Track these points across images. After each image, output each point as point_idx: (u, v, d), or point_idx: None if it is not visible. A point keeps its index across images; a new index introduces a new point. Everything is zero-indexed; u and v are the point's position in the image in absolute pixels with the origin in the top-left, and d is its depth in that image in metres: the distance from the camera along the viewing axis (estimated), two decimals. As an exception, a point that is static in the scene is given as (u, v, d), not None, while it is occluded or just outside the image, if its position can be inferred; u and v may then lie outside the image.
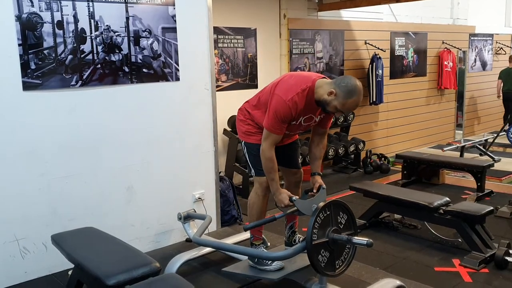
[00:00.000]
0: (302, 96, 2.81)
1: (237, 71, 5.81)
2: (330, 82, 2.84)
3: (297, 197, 2.99)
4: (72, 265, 2.76)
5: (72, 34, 3.34)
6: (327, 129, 3.19)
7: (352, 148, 6.47)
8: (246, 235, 3.50)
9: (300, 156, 4.16)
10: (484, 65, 9.75)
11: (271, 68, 6.06)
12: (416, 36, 8.02)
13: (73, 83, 3.39)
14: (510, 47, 10.36)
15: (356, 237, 2.71)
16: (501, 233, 4.08)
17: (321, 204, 2.70)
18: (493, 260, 3.50)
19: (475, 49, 9.43)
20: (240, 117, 3.18)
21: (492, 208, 3.81)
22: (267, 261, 3.01)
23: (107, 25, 3.48)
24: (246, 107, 3.18)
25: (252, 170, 3.16)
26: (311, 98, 2.85)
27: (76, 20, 3.34)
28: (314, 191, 3.06)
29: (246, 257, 3.21)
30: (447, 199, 3.98)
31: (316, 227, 2.63)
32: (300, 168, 3.32)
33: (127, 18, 3.57)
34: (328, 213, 2.71)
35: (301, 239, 3.24)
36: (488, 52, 9.81)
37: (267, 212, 3.30)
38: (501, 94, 9.32)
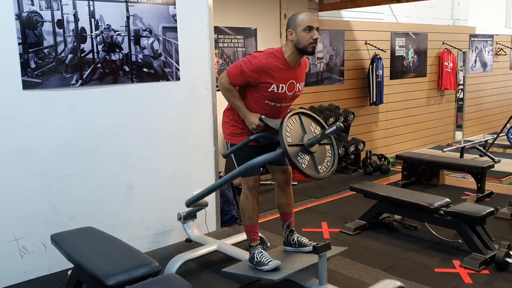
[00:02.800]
0: (269, 56, 2.95)
1: (237, 71, 5.79)
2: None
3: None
4: (72, 265, 2.75)
5: (72, 33, 3.33)
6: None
7: (352, 149, 6.47)
8: (245, 235, 3.49)
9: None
10: (484, 66, 9.75)
11: (271, 68, 6.05)
12: (416, 36, 8.02)
13: (73, 82, 3.38)
14: (511, 48, 10.35)
15: (327, 129, 2.77)
16: (502, 234, 4.07)
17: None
18: (493, 261, 3.49)
19: (475, 50, 9.43)
20: (225, 119, 3.26)
21: (492, 209, 3.80)
22: (263, 262, 3.00)
23: (107, 24, 3.47)
24: (229, 108, 3.24)
25: (235, 164, 3.17)
26: (282, 59, 2.96)
27: (76, 19, 3.33)
28: None
29: (246, 258, 3.20)
30: (447, 200, 3.97)
31: (288, 131, 2.68)
32: (288, 165, 3.31)
33: (128, 17, 3.56)
34: (298, 122, 2.78)
35: (299, 238, 3.23)
36: (488, 53, 9.81)
37: (261, 215, 3.29)
38: None
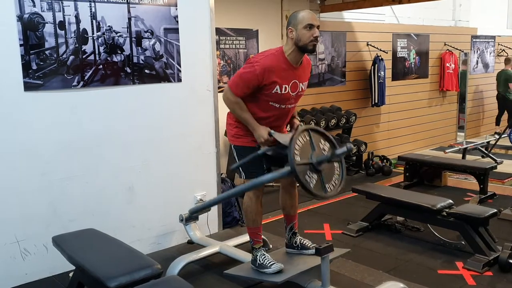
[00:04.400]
0: (269, 58, 2.90)
1: (239, 72, 5.78)
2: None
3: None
4: (73, 267, 2.74)
5: (74, 35, 3.32)
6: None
7: (354, 150, 6.45)
8: (248, 237, 3.48)
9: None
10: (486, 67, 9.74)
11: (273, 70, 6.04)
12: (418, 37, 8.01)
13: (74, 83, 3.37)
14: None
15: (337, 150, 2.68)
16: (504, 235, 4.06)
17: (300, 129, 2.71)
18: (497, 263, 3.48)
19: (477, 51, 9.42)
20: (229, 120, 3.23)
21: (495, 210, 3.79)
22: (266, 264, 2.99)
23: (109, 26, 3.47)
24: None
25: (242, 174, 3.16)
26: (283, 59, 2.92)
27: (78, 21, 3.33)
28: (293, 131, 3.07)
29: (248, 260, 3.19)
30: (450, 201, 3.96)
31: (297, 148, 2.61)
32: None
33: (129, 19, 3.55)
34: (308, 138, 2.70)
35: (302, 240, 3.22)
36: (490, 54, 9.80)
37: (263, 216, 3.28)
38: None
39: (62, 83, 3.32)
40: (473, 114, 9.60)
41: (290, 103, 3.06)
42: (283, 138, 2.85)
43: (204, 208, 3.53)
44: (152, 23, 3.67)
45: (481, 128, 9.82)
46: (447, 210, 3.85)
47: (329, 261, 2.80)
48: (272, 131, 2.92)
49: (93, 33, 3.41)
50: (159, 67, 3.76)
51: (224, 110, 3.36)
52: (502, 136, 7.75)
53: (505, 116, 9.53)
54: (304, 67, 3.06)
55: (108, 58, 3.50)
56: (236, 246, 3.59)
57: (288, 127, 3.19)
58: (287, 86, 2.95)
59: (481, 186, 5.21)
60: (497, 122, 9.60)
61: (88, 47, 3.40)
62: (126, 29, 3.55)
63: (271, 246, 3.73)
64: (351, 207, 5.05)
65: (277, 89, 2.92)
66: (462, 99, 9.31)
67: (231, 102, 2.97)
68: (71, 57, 3.33)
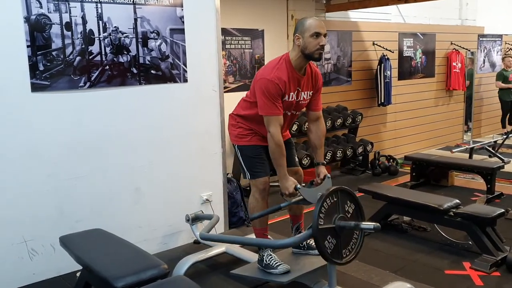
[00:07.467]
0: (281, 68, 2.90)
1: (245, 73, 5.80)
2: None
3: (303, 185, 2.98)
4: (80, 267, 2.75)
5: (81, 36, 3.34)
6: (320, 111, 3.20)
7: (360, 150, 6.44)
8: (254, 237, 3.48)
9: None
10: (492, 66, 9.68)
11: (278, 69, 6.03)
12: (424, 37, 7.98)
13: (81, 84, 3.39)
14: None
15: (363, 223, 2.65)
16: (512, 235, 4.04)
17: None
18: (504, 263, 3.46)
19: (483, 50, 9.37)
20: (231, 121, 3.24)
21: (503, 210, 3.77)
22: (272, 265, 2.99)
23: (115, 27, 3.48)
24: (235, 112, 3.23)
25: (247, 174, 3.15)
26: (290, 67, 2.93)
27: (84, 22, 3.34)
28: (319, 181, 3.05)
29: (254, 260, 3.19)
30: (457, 201, 3.94)
31: (323, 212, 2.58)
32: (299, 167, 3.30)
33: (135, 20, 3.56)
34: (335, 199, 2.66)
35: (308, 241, 3.21)
36: (497, 53, 9.74)
37: (270, 216, 3.27)
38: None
39: (69, 83, 3.33)
40: (480, 113, 9.55)
41: (294, 109, 3.07)
42: (310, 194, 2.83)
43: (215, 240, 3.49)
44: (158, 24, 3.68)
45: (488, 128, 9.76)
46: (454, 210, 3.84)
47: (336, 262, 2.79)
48: (298, 186, 2.90)
49: (99, 34, 3.42)
50: (165, 67, 3.77)
51: (229, 110, 3.36)
52: (510, 135, 7.70)
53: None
54: (309, 77, 3.05)
55: (115, 59, 3.51)
56: (242, 246, 3.59)
57: (316, 175, 3.12)
58: (292, 93, 2.97)
59: (488, 186, 5.18)
60: (503, 125, 9.53)
61: (94, 48, 3.41)
62: (132, 29, 3.56)
63: (277, 246, 3.73)
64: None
65: (286, 97, 2.94)
66: (468, 98, 9.28)
67: (276, 145, 2.90)
68: (78, 58, 3.35)
